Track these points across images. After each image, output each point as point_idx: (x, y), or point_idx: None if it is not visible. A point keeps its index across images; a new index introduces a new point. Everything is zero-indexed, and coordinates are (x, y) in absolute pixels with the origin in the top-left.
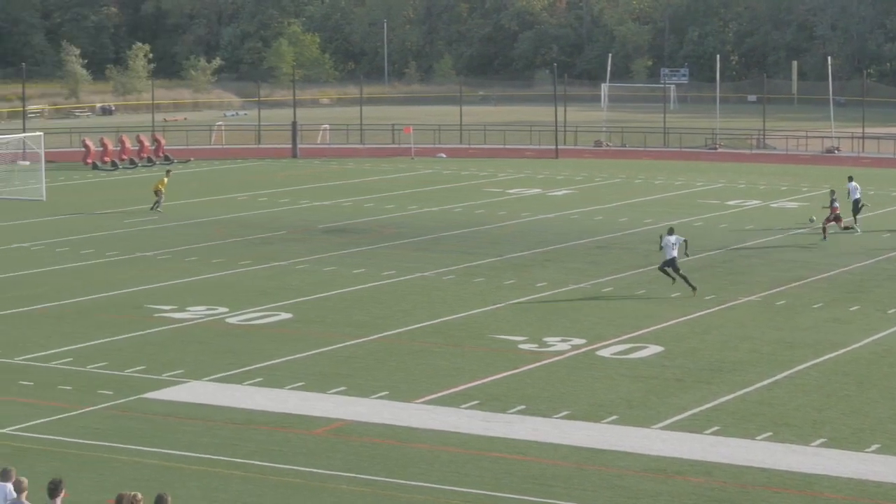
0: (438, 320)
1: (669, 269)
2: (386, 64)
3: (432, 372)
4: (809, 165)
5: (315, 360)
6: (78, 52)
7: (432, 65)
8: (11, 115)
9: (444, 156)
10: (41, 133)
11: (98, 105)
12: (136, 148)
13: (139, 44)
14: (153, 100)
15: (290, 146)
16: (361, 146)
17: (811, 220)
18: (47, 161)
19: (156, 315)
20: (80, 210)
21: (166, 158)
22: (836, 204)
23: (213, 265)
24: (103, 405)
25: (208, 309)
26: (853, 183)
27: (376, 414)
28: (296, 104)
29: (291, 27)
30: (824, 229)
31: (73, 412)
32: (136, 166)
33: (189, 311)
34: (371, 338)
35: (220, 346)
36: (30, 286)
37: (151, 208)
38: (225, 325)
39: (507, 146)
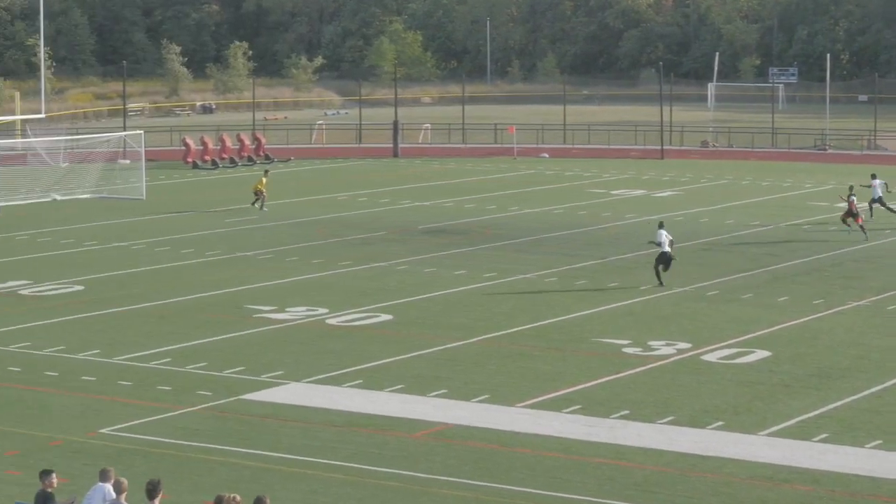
0: (540, 323)
1: (663, 264)
2: (488, 62)
3: (534, 376)
4: None
5: (415, 362)
6: (178, 49)
7: (535, 63)
8: (112, 113)
9: (547, 156)
10: (141, 131)
11: (198, 103)
12: (237, 147)
13: (238, 42)
14: (254, 98)
15: (391, 145)
16: (463, 146)
17: (860, 230)
18: (147, 160)
19: (255, 315)
20: (180, 209)
21: (267, 157)
22: (854, 198)
23: (313, 265)
24: (202, 406)
25: (308, 310)
26: (877, 180)
27: (477, 418)
28: (397, 103)
29: (393, 25)
30: (862, 228)
31: (171, 413)
32: (237, 165)
33: (289, 311)
34: (472, 340)
35: (319, 348)
36: (129, 285)
37: (252, 204)
38: (325, 326)
39: (611, 146)
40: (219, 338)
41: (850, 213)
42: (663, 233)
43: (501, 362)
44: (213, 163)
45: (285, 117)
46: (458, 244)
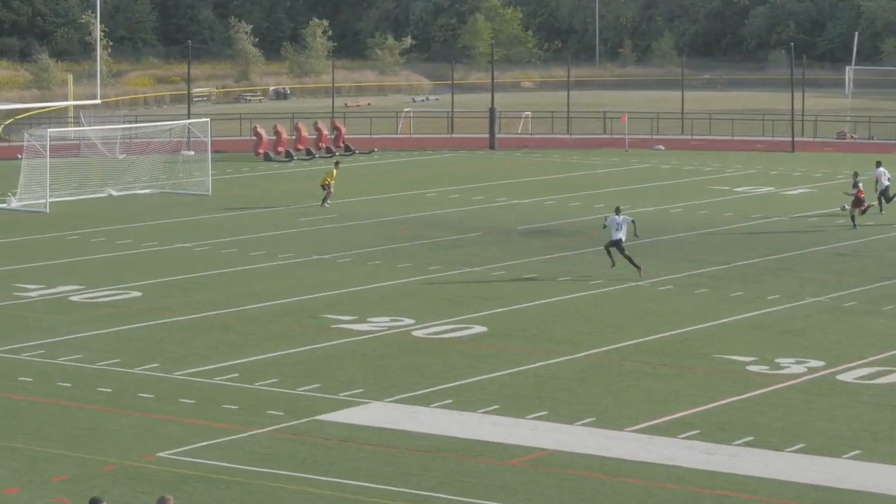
0: (654, 337)
1: (613, 250)
2: (597, 42)
3: (646, 396)
4: None
5: (512, 379)
6: (249, 28)
7: (650, 44)
8: (175, 99)
9: (663, 148)
10: (208, 119)
11: (271, 88)
12: (314, 137)
13: (317, 19)
14: (333, 83)
15: (486, 136)
16: (568, 136)
17: (843, 209)
18: (214, 151)
19: (333, 326)
20: (250, 206)
21: (347, 149)
22: (861, 186)
23: (399, 270)
24: (272, 427)
25: (392, 320)
26: (881, 169)
27: (581, 443)
28: (494, 88)
29: (490, 1)
30: (853, 217)
31: (238, 435)
32: (314, 157)
33: (371, 322)
34: (576, 356)
35: (404, 363)
36: (193, 291)
37: (321, 204)
38: (411, 339)
39: (735, 137)
40: (292, 351)
41: (856, 202)
42: (617, 218)
43: (610, 380)
44: (288, 154)
45: (368, 104)
46: (561, 247)
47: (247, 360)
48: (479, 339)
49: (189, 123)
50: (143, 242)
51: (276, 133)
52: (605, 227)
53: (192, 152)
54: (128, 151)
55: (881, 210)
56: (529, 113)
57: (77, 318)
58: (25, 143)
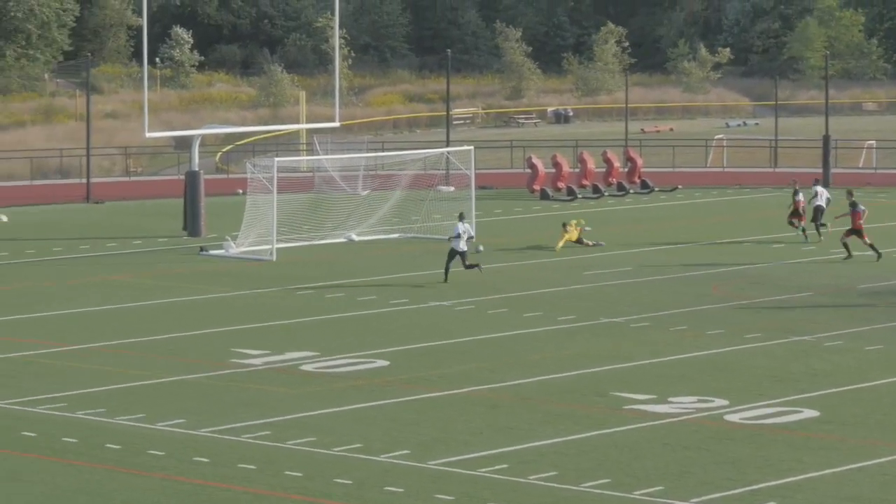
0: None
1: (464, 261)
2: None
3: None
4: None
5: (853, 478)
6: (519, 34)
7: None
8: (431, 122)
9: None
10: (471, 147)
11: (550, 109)
12: (603, 170)
13: (611, 24)
14: (627, 103)
15: (819, 170)
16: None
17: (801, 232)
18: (479, 187)
19: (626, 407)
20: (523, 256)
21: (643, 185)
22: (799, 198)
23: (708, 338)
24: None
25: (700, 400)
26: (818, 187)
27: None
28: (828, 110)
29: (824, 1)
30: (803, 230)
31: None
32: (602, 195)
33: (672, 402)
34: None
35: (716, 455)
36: (452, 361)
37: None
38: (723, 425)
39: None
40: (574, 437)
41: (797, 213)
42: (460, 226)
43: None
44: (570, 191)
45: (670, 129)
46: None
47: (518, 447)
48: (811, 425)
49: (448, 152)
50: (390, 299)
51: (556, 165)
52: (449, 239)
53: (452, 188)
54: (373, 186)
55: (817, 230)
56: (874, 142)
57: (310, 392)
58: (249, 176)
